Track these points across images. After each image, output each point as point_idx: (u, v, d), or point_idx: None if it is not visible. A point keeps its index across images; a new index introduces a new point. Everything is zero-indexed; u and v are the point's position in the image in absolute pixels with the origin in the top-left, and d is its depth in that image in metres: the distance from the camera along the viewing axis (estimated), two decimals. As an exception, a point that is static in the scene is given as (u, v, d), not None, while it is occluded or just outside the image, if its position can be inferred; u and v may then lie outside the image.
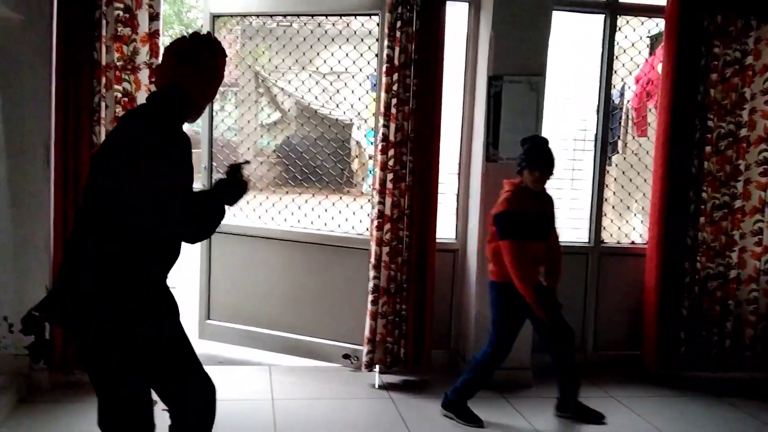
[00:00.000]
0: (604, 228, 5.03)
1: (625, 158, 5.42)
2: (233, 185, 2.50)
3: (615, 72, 4.94)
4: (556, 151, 3.91)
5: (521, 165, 3.88)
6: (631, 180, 5.23)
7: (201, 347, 4.98)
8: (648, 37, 5.94)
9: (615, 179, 5.22)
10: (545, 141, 3.94)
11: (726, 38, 4.61)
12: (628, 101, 6.03)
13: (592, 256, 4.96)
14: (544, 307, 3.76)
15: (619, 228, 5.20)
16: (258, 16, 5.09)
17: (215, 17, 4.84)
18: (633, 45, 5.06)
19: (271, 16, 5.04)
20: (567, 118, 5.43)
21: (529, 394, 4.46)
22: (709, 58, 4.61)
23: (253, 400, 4.20)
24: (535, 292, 3.74)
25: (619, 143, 5.92)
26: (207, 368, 2.57)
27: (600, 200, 4.95)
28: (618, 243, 5.12)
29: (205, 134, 4.93)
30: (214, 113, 4.93)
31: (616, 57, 4.93)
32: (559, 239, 4.07)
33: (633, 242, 5.13)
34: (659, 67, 5.24)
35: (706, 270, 4.71)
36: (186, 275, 7.06)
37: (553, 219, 4.04)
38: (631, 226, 5.34)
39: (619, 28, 4.91)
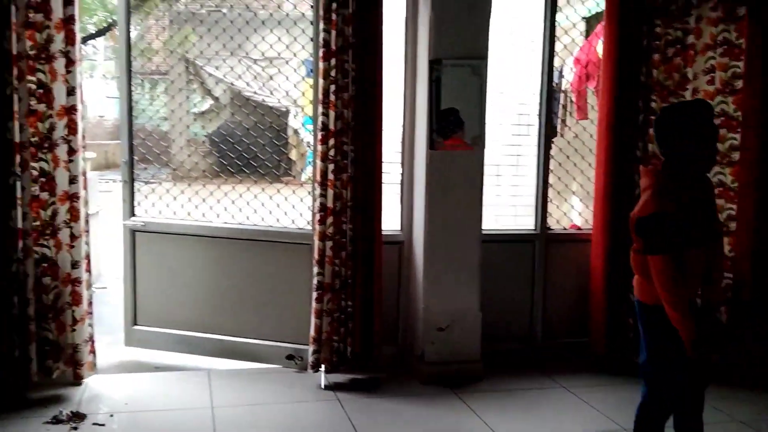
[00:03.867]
0: (550, 214, 4.94)
1: (569, 142, 5.33)
2: None
3: (556, 53, 4.84)
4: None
5: (674, 139, 2.84)
6: (576, 164, 5.15)
7: (128, 355, 4.70)
8: (584, 18, 5.87)
9: (560, 164, 5.13)
10: (708, 107, 2.94)
11: (667, 17, 4.54)
12: (568, 83, 5.96)
13: (539, 243, 4.87)
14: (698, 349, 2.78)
15: (565, 214, 5.13)
16: (180, -1, 4.80)
17: (129, -1, 4.54)
18: (574, 26, 4.96)
19: (196, -2, 4.75)
20: (507, 103, 5.32)
21: (480, 388, 4.34)
22: (651, 38, 4.55)
23: (192, 408, 3.95)
24: (693, 323, 2.75)
25: (560, 126, 5.84)
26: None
27: (545, 186, 4.85)
28: (564, 229, 5.04)
29: (124, 126, 4.61)
30: (133, 103, 4.62)
31: (557, 38, 4.82)
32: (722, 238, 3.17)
33: (578, 227, 5.06)
34: (599, 48, 5.17)
35: (652, 253, 4.66)
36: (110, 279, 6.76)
37: (715, 212, 3.06)
38: (576, 211, 5.28)
39: (560, 9, 4.80)
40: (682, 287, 2.77)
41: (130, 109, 4.60)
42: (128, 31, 4.57)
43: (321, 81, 4.18)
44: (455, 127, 4.33)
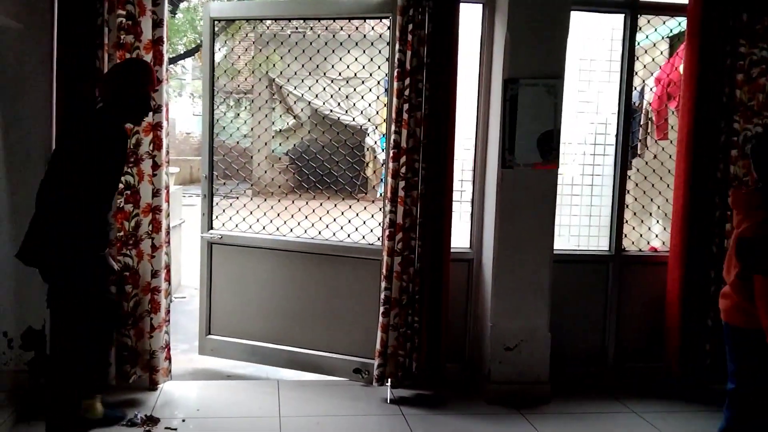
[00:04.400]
0: (625, 235, 4.84)
1: (647, 163, 5.21)
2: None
3: (636, 73, 4.76)
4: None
5: None
6: (653, 185, 5.03)
7: (201, 363, 4.85)
8: (668, 37, 5.75)
9: (636, 185, 5.02)
10: None
11: (752, 37, 4.40)
12: (648, 103, 5.83)
13: (613, 265, 4.77)
14: None
15: (641, 235, 5.00)
16: (261, 20, 4.97)
17: (215, 21, 4.73)
18: (654, 45, 4.87)
19: (275, 20, 4.89)
20: (585, 122, 5.24)
21: (547, 410, 4.28)
22: (735, 58, 4.40)
23: (260, 417, 4.05)
24: None
25: (639, 146, 5.72)
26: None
27: (621, 206, 4.75)
28: (640, 251, 4.92)
29: (206, 143, 4.78)
30: (215, 120, 4.79)
31: (637, 58, 4.74)
32: None
33: (656, 249, 4.94)
34: (681, 68, 5.05)
35: (732, 279, 4.49)
36: (190, 289, 7.00)
37: None
38: (653, 232, 5.14)
39: (640, 28, 4.72)
40: None
41: (212, 126, 4.77)
42: (212, 52, 4.75)
43: (395, 100, 4.25)
44: (556, 150, 4.32)
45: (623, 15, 4.67)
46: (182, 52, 14.86)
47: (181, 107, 22.85)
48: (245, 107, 13.06)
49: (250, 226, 4.90)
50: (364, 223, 4.88)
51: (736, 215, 3.03)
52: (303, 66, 5.06)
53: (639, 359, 4.79)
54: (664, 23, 5.17)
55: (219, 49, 5.04)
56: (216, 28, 4.79)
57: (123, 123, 3.61)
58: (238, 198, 5.32)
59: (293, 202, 5.10)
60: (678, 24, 5.06)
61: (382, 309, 4.28)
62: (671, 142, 5.08)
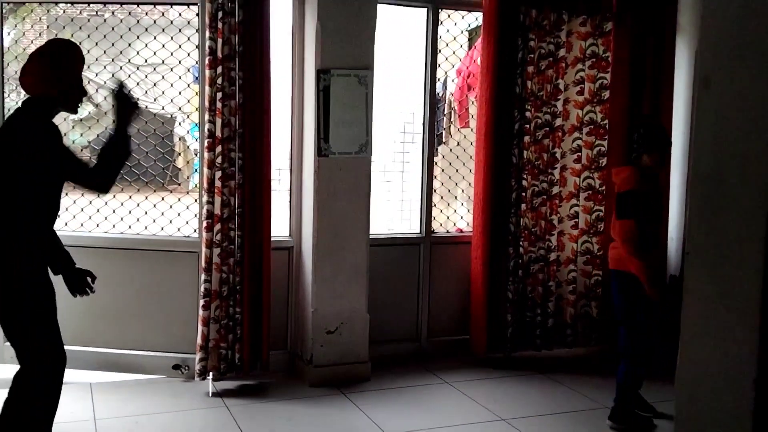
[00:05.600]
0: (434, 218, 5.13)
1: (451, 150, 5.55)
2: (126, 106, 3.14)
3: (439, 65, 5.04)
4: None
5: (638, 150, 3.85)
6: (458, 171, 5.37)
7: (1, 373, 4.47)
8: (467, 30, 6.13)
9: (443, 170, 5.34)
10: (659, 123, 4.28)
11: (540, 31, 4.82)
12: (451, 94, 6.19)
13: (424, 246, 5.04)
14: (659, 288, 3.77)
15: (448, 217, 5.33)
16: (55, 3, 4.64)
17: (2, 3, 4.37)
18: (455, 38, 5.19)
19: (71, 3, 4.61)
20: (394, 112, 5.48)
21: (368, 387, 4.45)
22: (526, 51, 4.80)
23: (73, 422, 3.83)
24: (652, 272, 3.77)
25: (444, 134, 6.07)
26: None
27: (429, 191, 5.03)
28: (447, 232, 5.24)
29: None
30: (5, 111, 4.41)
31: (439, 50, 5.03)
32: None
33: (461, 230, 5.28)
34: (479, 60, 5.42)
35: (528, 254, 4.92)
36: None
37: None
38: (459, 214, 5.49)
39: (441, 22, 5.00)
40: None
41: (3, 116, 4.40)
42: (1, 36, 4.39)
43: (207, 89, 4.18)
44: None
45: (426, 9, 4.92)
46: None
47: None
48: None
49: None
50: (179, 215, 4.75)
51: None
52: (105, 52, 4.80)
53: (449, 333, 5.11)
54: (462, 18, 5.50)
55: (8, 33, 4.66)
56: (4, 11, 4.42)
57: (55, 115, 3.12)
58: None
59: (98, 195, 4.82)
60: (475, 19, 5.41)
61: (202, 302, 4.20)
62: (472, 130, 5.44)
